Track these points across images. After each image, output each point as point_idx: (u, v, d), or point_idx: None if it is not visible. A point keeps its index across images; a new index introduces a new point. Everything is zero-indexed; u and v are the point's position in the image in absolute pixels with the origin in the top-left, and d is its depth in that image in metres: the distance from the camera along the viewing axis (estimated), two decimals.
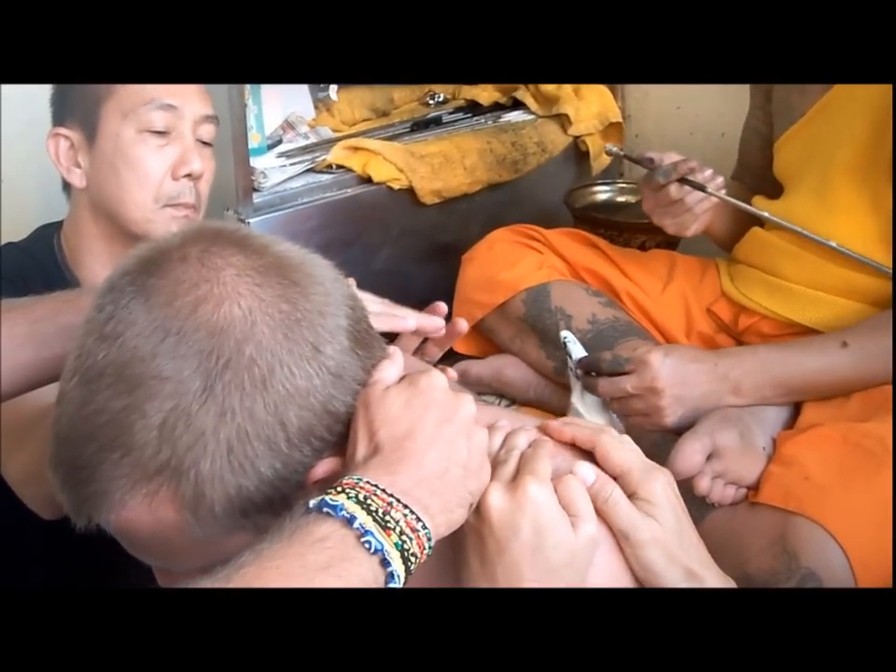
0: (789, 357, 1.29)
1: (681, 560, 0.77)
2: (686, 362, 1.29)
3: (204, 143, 1.37)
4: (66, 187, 1.39)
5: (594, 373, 1.32)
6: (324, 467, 0.74)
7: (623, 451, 0.81)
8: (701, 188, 1.42)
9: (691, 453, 1.20)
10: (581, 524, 0.74)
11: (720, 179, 1.44)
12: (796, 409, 1.33)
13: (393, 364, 0.79)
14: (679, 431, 1.28)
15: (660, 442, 1.29)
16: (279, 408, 0.70)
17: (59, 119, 1.35)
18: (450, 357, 1.61)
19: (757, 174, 1.64)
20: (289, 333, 0.71)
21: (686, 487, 1.16)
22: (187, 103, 1.32)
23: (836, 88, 1.37)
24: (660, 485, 0.79)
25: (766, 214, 1.42)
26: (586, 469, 0.78)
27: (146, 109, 1.29)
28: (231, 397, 0.69)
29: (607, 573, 0.76)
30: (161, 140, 1.31)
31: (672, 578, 0.77)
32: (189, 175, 1.33)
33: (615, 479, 0.79)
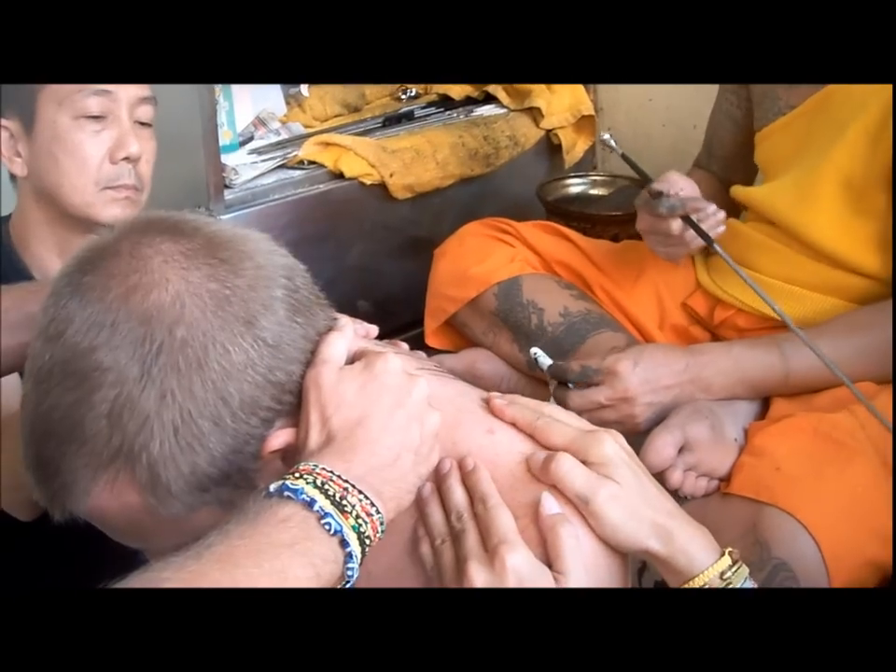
0: (762, 357, 1.28)
1: (646, 514, 0.78)
2: (657, 366, 1.28)
3: (143, 124, 1.36)
4: (13, 177, 1.39)
5: (567, 384, 1.31)
6: (279, 439, 0.76)
7: (562, 427, 0.82)
8: (705, 237, 1.35)
9: (662, 446, 1.21)
10: (565, 581, 0.74)
11: (721, 214, 1.37)
12: (766, 400, 1.33)
13: (342, 337, 0.80)
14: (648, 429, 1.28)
15: (631, 437, 1.29)
16: (217, 385, 0.72)
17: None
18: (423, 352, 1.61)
19: (726, 160, 1.64)
20: (219, 311, 0.73)
21: (659, 480, 1.16)
22: (121, 87, 1.32)
23: (833, 85, 1.35)
24: (608, 446, 0.80)
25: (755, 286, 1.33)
26: (550, 502, 0.78)
27: (80, 96, 1.29)
28: (168, 379, 0.71)
29: (586, 548, 0.77)
30: (98, 125, 1.31)
31: (639, 533, 0.77)
32: (126, 159, 1.33)
33: None
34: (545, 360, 1.31)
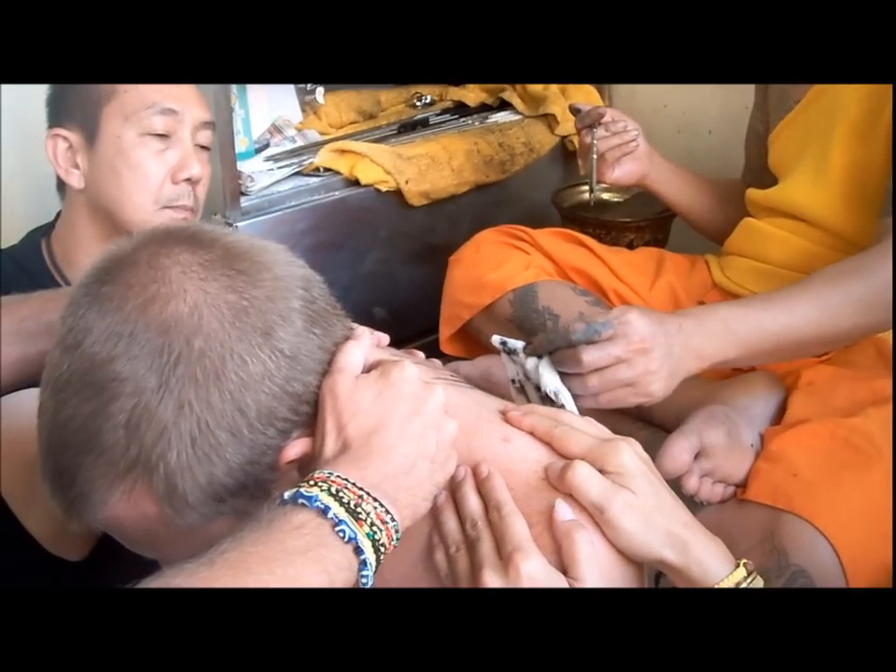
0: (751, 316, 1.17)
1: (661, 524, 0.78)
2: (660, 322, 1.13)
3: (202, 147, 1.38)
4: (61, 188, 1.39)
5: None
6: (296, 448, 0.76)
7: (579, 435, 0.82)
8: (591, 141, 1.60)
9: (678, 452, 1.20)
10: (580, 587, 0.74)
11: (633, 132, 1.60)
12: (783, 404, 1.32)
13: (358, 346, 0.81)
14: (668, 429, 1.27)
15: (649, 440, 1.29)
16: (235, 395, 0.72)
17: (56, 119, 1.35)
18: (438, 359, 1.61)
19: (754, 174, 1.66)
20: (237, 322, 0.73)
21: (674, 487, 1.16)
22: (187, 108, 1.34)
23: None
24: (625, 455, 0.80)
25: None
26: (563, 509, 0.78)
27: (147, 113, 1.31)
28: (186, 390, 0.71)
29: (601, 555, 0.77)
30: (162, 144, 1.33)
31: (654, 542, 0.77)
32: (188, 180, 1.34)
33: None
34: (516, 342, 1.10)
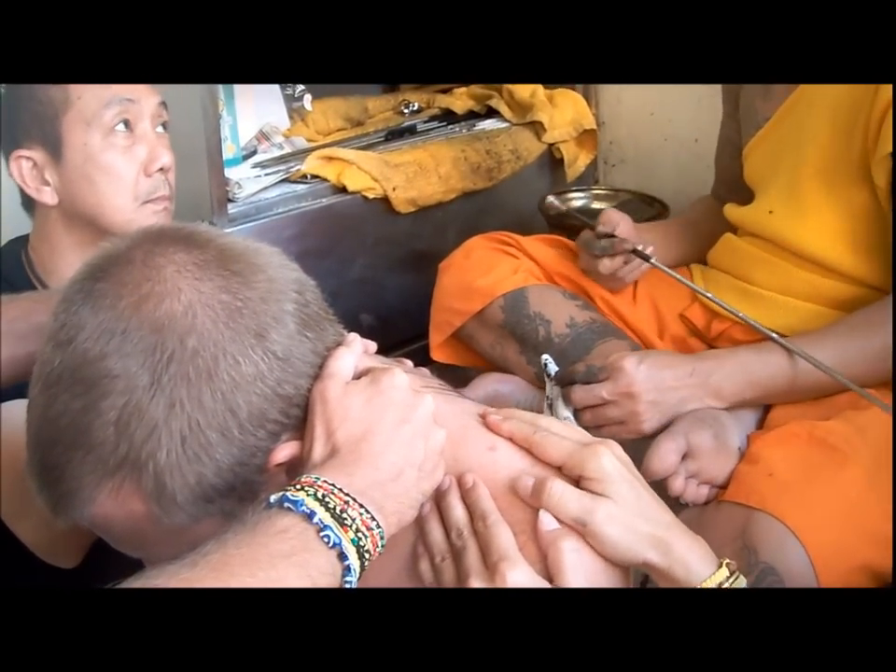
0: (769, 359, 1.27)
1: (643, 528, 0.78)
2: (662, 367, 1.27)
3: (163, 130, 1.39)
4: (27, 204, 1.38)
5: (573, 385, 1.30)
6: (285, 451, 0.76)
7: (559, 441, 0.82)
8: (645, 257, 1.50)
9: (665, 453, 1.20)
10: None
11: (650, 248, 1.51)
12: (767, 408, 1.33)
13: (349, 352, 0.81)
14: (654, 434, 1.28)
15: (637, 444, 1.29)
16: (227, 396, 0.72)
17: (14, 143, 1.34)
18: (426, 366, 1.60)
19: (731, 185, 1.64)
20: (231, 322, 0.73)
21: (660, 487, 1.16)
22: (142, 96, 1.34)
23: (799, 89, 1.37)
24: (605, 460, 0.80)
25: (709, 295, 1.45)
26: (548, 518, 0.78)
27: (107, 109, 1.30)
28: (178, 388, 0.71)
29: (586, 562, 0.77)
30: (127, 140, 1.33)
31: (638, 546, 0.77)
32: (161, 170, 1.34)
33: (560, 469, 0.81)
34: (553, 367, 1.29)
